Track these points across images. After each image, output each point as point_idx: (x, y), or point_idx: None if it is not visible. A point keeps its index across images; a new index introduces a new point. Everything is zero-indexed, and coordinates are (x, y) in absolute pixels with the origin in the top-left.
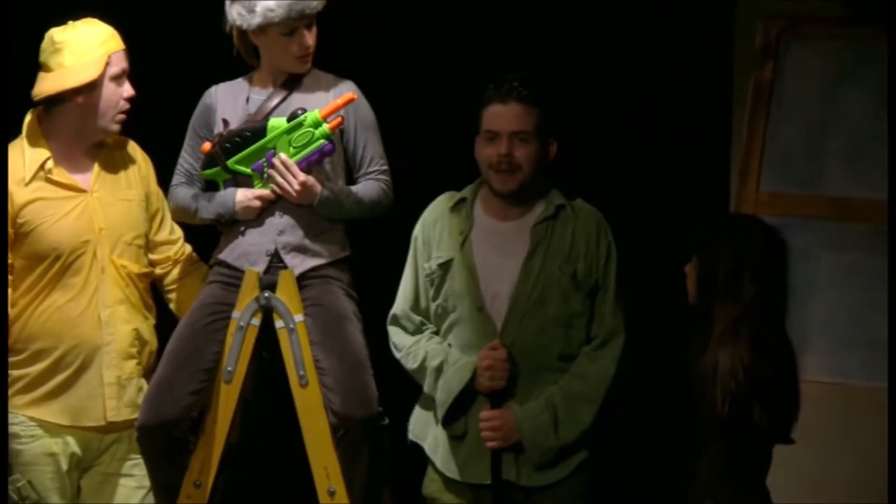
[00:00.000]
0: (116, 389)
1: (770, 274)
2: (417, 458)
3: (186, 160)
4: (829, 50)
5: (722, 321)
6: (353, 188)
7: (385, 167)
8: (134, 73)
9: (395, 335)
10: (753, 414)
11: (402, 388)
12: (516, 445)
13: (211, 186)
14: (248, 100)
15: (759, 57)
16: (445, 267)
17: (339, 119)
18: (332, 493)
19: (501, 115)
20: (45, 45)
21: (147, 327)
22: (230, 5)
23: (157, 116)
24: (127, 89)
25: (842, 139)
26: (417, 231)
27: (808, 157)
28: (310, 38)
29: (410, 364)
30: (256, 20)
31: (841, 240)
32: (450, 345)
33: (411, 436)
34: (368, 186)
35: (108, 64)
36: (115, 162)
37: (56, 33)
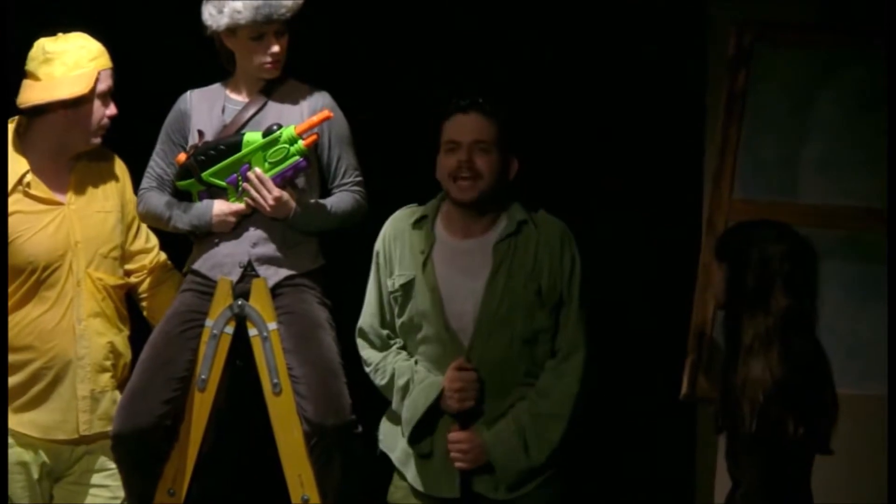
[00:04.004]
0: (90, 403)
1: (801, 284)
2: (387, 465)
3: (158, 164)
4: (803, 56)
5: (752, 331)
6: (327, 201)
7: (359, 178)
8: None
9: (363, 349)
10: (787, 427)
11: (376, 396)
12: (486, 466)
13: (183, 194)
14: (223, 109)
15: (732, 64)
16: (407, 287)
17: (315, 136)
18: (305, 501)
19: (463, 125)
20: (34, 53)
21: (121, 340)
22: (205, 6)
23: (131, 124)
24: (111, 108)
25: (815, 146)
26: (378, 246)
27: (781, 164)
28: (277, 45)
29: (379, 380)
30: (224, 21)
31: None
32: (416, 361)
33: (381, 446)
34: (343, 198)
35: (97, 80)
36: (91, 173)
37: (47, 43)
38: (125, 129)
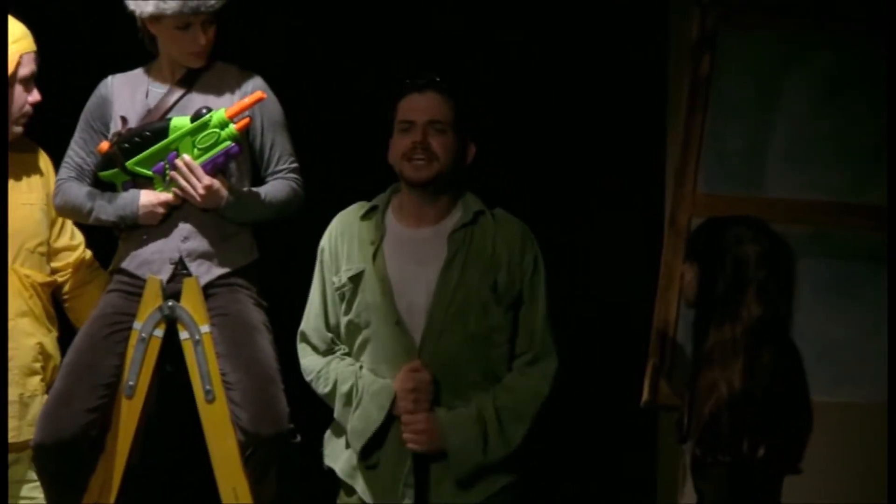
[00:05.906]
0: (19, 408)
1: (777, 291)
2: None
3: (77, 153)
4: (771, 41)
5: (713, 339)
6: (262, 189)
7: (295, 165)
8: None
9: (305, 356)
10: (741, 446)
11: (316, 404)
12: (439, 474)
13: (105, 186)
14: (147, 94)
15: (695, 48)
16: (356, 279)
17: (247, 119)
18: None
19: (417, 104)
20: None
21: (51, 340)
22: None
23: (51, 113)
24: (34, 94)
25: (784, 136)
26: (324, 243)
27: (748, 156)
28: (204, 36)
29: (321, 388)
30: (149, 9)
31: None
32: (361, 366)
33: (327, 461)
34: (277, 186)
35: (19, 64)
36: (15, 164)
37: None
38: (50, 119)
